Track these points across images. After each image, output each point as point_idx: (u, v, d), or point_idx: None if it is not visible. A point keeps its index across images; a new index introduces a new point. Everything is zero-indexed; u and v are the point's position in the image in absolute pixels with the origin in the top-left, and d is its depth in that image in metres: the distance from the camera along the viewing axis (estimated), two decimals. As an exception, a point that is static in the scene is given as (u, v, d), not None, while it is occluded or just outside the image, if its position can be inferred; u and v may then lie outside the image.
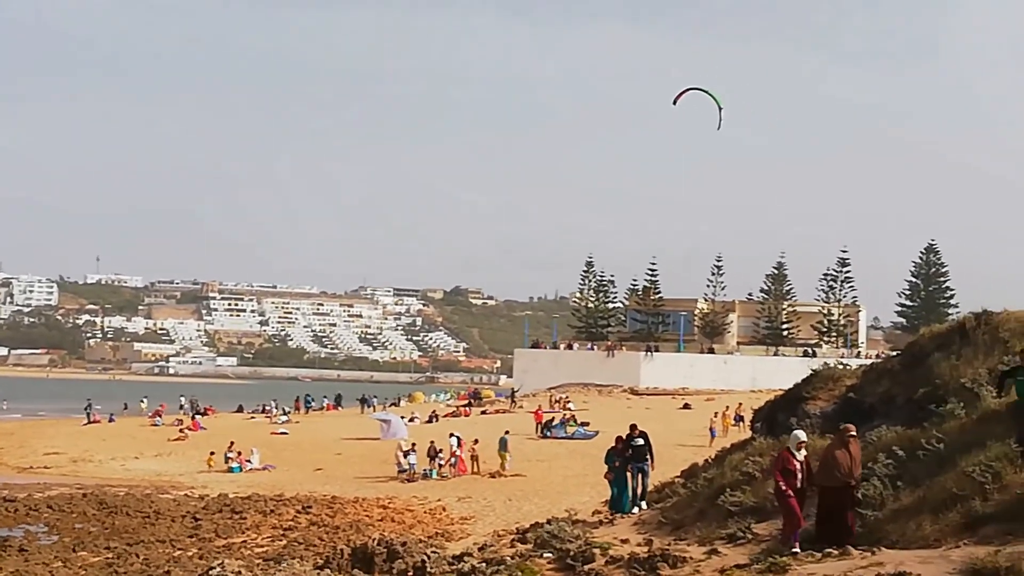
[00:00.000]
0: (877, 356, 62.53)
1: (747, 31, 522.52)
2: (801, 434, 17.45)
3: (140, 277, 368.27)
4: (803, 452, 17.02)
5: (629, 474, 25.27)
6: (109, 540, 32.92)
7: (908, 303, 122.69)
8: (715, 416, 59.16)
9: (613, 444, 26.54)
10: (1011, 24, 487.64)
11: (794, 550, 16.09)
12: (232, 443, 54.21)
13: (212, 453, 52.48)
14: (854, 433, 17.02)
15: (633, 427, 25.99)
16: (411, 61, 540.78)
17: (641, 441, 25.33)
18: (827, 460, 16.64)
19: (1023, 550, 13.66)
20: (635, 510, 24.17)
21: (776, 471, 16.99)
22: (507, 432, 49.72)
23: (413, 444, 48.69)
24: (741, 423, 55.87)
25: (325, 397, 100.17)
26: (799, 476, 16.75)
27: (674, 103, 28.70)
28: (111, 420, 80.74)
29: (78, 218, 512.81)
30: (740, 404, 63.09)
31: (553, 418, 65.60)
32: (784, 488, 16.63)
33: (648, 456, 25.27)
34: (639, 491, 24.93)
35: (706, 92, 28.36)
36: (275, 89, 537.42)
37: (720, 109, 28.11)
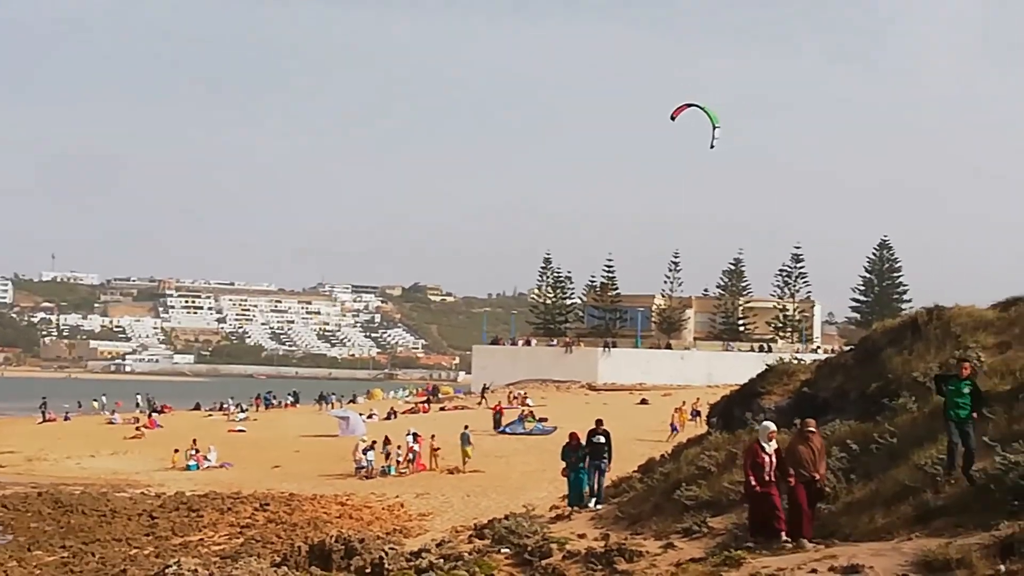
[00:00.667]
0: (831, 351, 63.05)
1: (715, 30, 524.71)
2: (771, 425, 17.27)
3: (96, 275, 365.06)
4: (773, 444, 16.86)
5: (587, 469, 25.11)
6: (64, 539, 32.71)
7: (862, 298, 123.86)
8: (676, 411, 59.39)
9: (568, 441, 26.33)
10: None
11: (785, 541, 15.96)
12: (195, 440, 53.89)
13: (176, 450, 52.14)
14: (813, 428, 16.93)
15: (599, 423, 25.71)
16: (373, 57, 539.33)
17: (602, 439, 25.10)
18: (790, 456, 16.56)
19: (974, 542, 13.86)
20: (590, 505, 24.12)
21: (746, 466, 16.78)
22: (467, 427, 49.76)
23: (373, 441, 48.65)
24: (698, 418, 56.17)
25: (289, 395, 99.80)
26: (767, 468, 16.54)
27: (672, 119, 28.72)
28: (66, 419, 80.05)
29: (33, 216, 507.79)
30: (697, 399, 63.50)
31: (500, 413, 65.40)
32: (753, 484, 16.45)
33: (607, 455, 24.98)
34: (595, 488, 24.74)
35: (703, 109, 28.37)
36: (236, 84, 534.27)
37: (715, 128, 28.08)
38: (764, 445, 16.74)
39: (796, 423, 21.14)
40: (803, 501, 16.24)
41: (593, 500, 24.37)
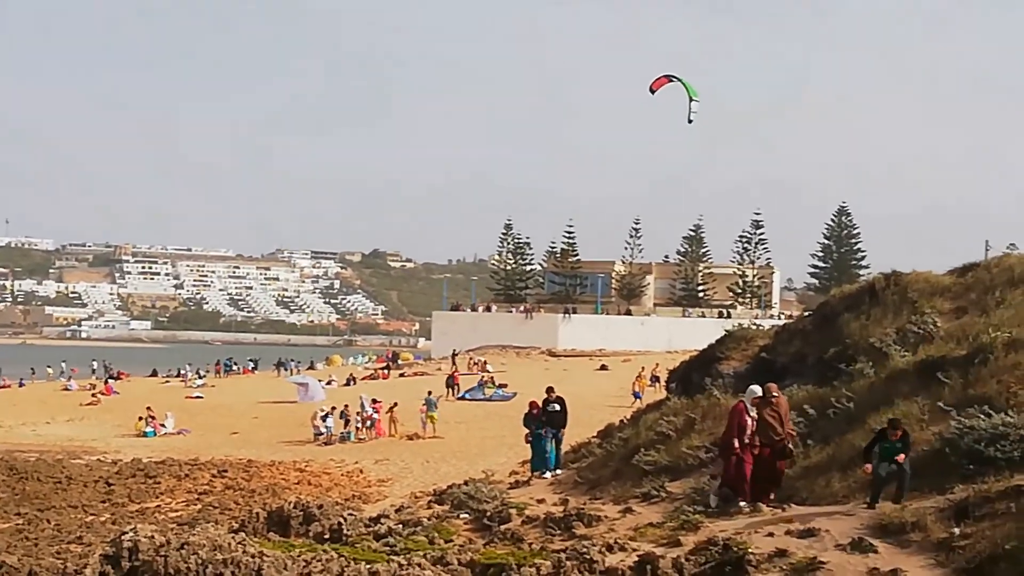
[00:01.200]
0: (790, 317, 63.37)
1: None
2: (757, 388, 16.95)
3: (51, 240, 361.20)
4: (754, 410, 16.71)
5: (545, 438, 24.65)
6: (20, 506, 32.45)
7: (820, 264, 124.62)
8: (636, 378, 59.27)
9: (528, 409, 25.76)
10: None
11: (741, 503, 16.10)
12: (149, 408, 53.51)
13: (140, 418, 51.52)
14: (776, 393, 16.92)
15: (549, 391, 25.36)
16: (328, 20, 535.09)
17: (557, 407, 24.64)
18: (760, 421, 16.54)
19: (928, 505, 13.99)
20: (547, 474, 23.88)
21: (732, 427, 16.63)
22: (430, 393, 49.66)
23: (333, 408, 48.49)
24: (657, 384, 56.27)
25: (250, 360, 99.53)
26: (749, 432, 16.52)
27: (652, 92, 28.57)
28: (21, 385, 79.37)
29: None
30: (656, 365, 63.61)
31: (456, 380, 64.94)
32: (735, 446, 16.42)
33: (563, 421, 24.66)
34: (554, 457, 24.46)
35: (682, 82, 28.23)
36: (193, 47, 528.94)
37: (692, 101, 27.93)
38: (748, 408, 16.63)
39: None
40: (765, 464, 16.41)
41: (553, 471, 24.08)
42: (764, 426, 16.46)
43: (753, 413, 16.55)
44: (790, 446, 16.80)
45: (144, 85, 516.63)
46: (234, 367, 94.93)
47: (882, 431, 15.24)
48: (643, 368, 64.20)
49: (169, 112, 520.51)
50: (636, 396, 53.93)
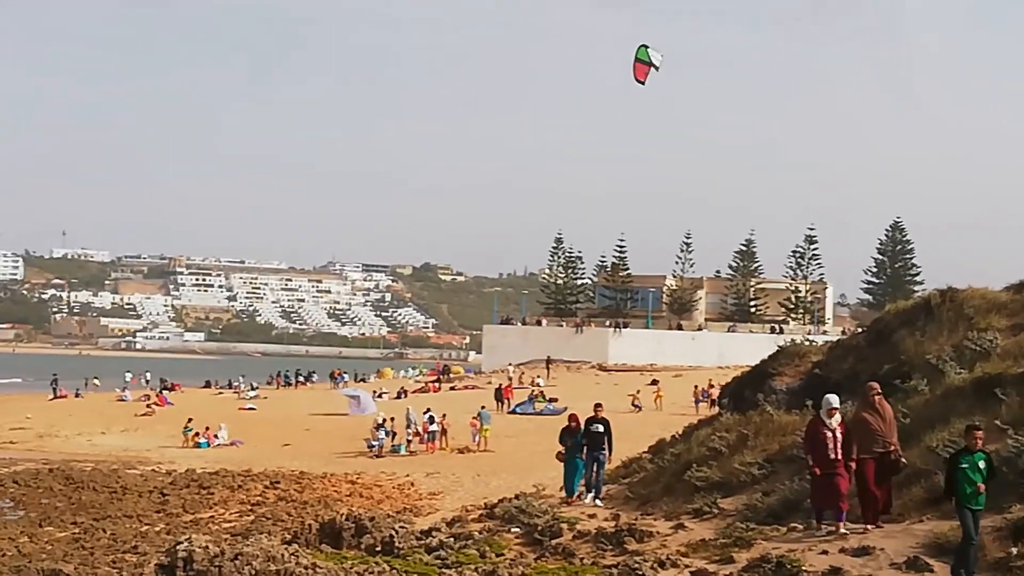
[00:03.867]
0: (843, 333, 62.87)
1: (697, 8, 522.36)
2: (833, 399, 15.62)
3: (107, 252, 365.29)
4: (836, 419, 15.42)
5: (584, 459, 22.42)
6: (76, 515, 32.84)
7: (874, 280, 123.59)
8: (637, 392, 61.43)
9: (567, 423, 23.70)
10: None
11: (843, 531, 14.80)
12: (190, 420, 53.71)
13: (187, 429, 51.92)
14: (880, 391, 15.55)
15: (597, 407, 23.06)
16: (384, 34, 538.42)
17: (601, 428, 22.28)
18: (857, 427, 15.21)
19: (985, 524, 13.81)
20: (587, 500, 21.72)
21: (805, 444, 15.45)
22: (484, 407, 49.70)
23: (391, 418, 48.60)
24: (705, 400, 56.68)
25: (314, 373, 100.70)
26: (832, 447, 15.12)
27: (642, 83, 28.60)
28: (77, 395, 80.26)
29: (44, 192, 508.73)
30: (710, 381, 63.09)
31: (505, 393, 65.01)
32: (813, 465, 15.15)
33: (606, 445, 22.19)
34: (592, 481, 22.15)
35: (653, 65, 28.36)
36: (247, 61, 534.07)
37: (654, 67, 28.13)
38: (826, 421, 15.37)
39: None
40: (871, 479, 14.99)
41: (590, 496, 21.94)
42: (865, 433, 15.03)
43: (833, 425, 15.25)
44: (896, 458, 15.29)
45: (197, 95, 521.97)
46: (299, 379, 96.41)
47: (958, 452, 13.38)
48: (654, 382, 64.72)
49: (222, 123, 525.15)
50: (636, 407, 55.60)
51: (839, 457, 14.98)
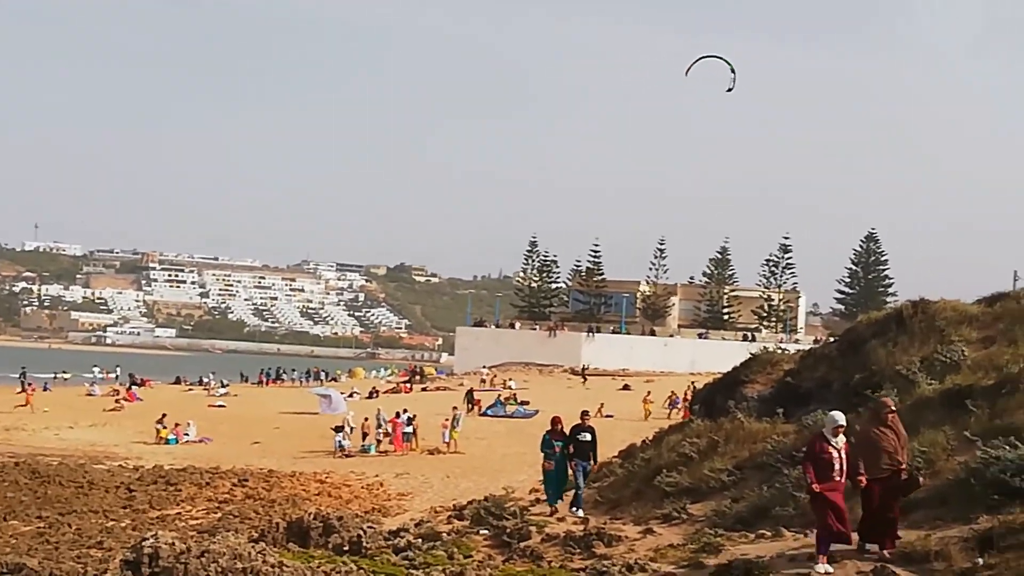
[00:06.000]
0: (815, 341, 63.03)
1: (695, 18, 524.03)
2: (839, 416, 14.27)
3: (79, 245, 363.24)
4: (841, 438, 14.05)
5: (571, 469, 21.56)
6: (41, 509, 32.62)
7: (847, 290, 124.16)
8: (643, 401, 60.20)
9: (551, 427, 22.44)
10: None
11: (825, 569, 13.48)
12: (164, 415, 53.39)
13: (158, 425, 51.63)
14: (893, 408, 14.46)
15: (584, 415, 22.30)
16: (357, 33, 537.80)
17: (588, 437, 21.51)
18: (866, 445, 13.99)
19: (953, 535, 13.86)
20: (580, 513, 20.75)
21: (807, 464, 14.03)
22: (455, 408, 49.64)
23: (349, 423, 48.36)
24: (674, 408, 56.79)
25: (294, 370, 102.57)
26: (838, 468, 13.82)
27: (685, 74, 28.96)
28: (45, 389, 79.75)
29: (16, 184, 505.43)
30: (688, 386, 62.97)
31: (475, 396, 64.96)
32: (812, 481, 13.75)
33: (592, 455, 21.54)
34: (578, 492, 21.32)
35: (719, 58, 28.58)
36: (220, 56, 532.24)
37: (733, 71, 28.28)
38: (830, 440, 13.97)
39: (789, 407, 21.09)
40: (876, 501, 13.85)
41: (573, 507, 21.08)
42: (872, 451, 13.92)
43: (838, 444, 13.94)
44: (916, 476, 14.37)
45: (173, 93, 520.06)
46: (284, 376, 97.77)
47: None
48: (648, 392, 63.93)
49: (196, 120, 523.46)
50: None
51: (843, 479, 13.88)
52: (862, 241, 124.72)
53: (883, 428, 14.01)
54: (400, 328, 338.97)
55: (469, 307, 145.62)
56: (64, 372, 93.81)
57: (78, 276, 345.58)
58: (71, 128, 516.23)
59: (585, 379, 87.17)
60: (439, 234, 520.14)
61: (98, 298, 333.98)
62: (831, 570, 13.35)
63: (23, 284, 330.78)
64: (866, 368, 22.54)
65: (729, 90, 27.95)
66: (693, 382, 60.01)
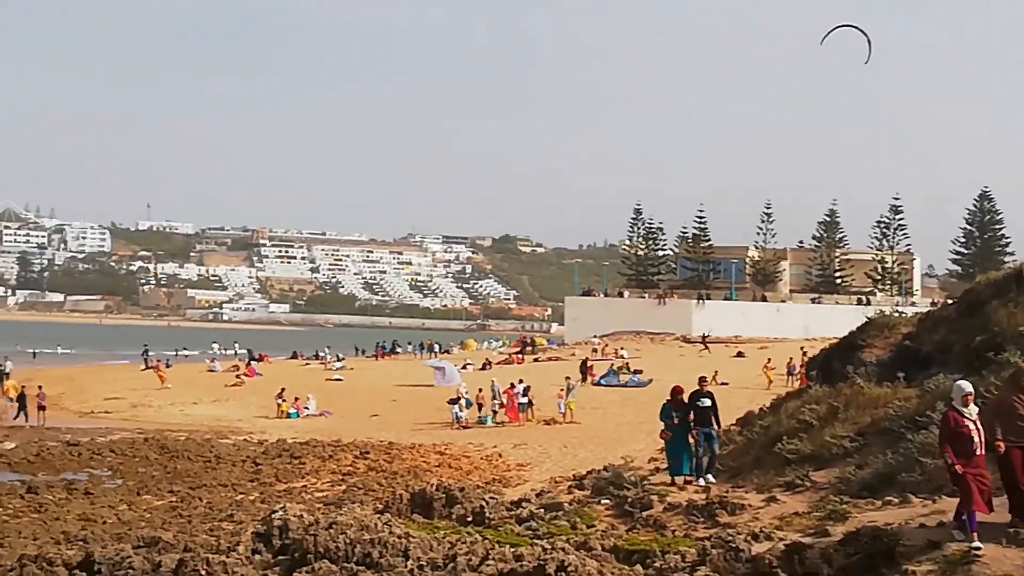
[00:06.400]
0: (933, 304, 61.93)
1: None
2: (966, 385, 13.66)
3: (191, 224, 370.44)
4: (973, 407, 13.44)
5: (692, 438, 21.30)
6: (172, 484, 33.50)
7: (963, 251, 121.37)
8: (764, 368, 59.36)
9: (669, 397, 22.03)
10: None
11: (975, 545, 12.82)
12: (283, 389, 54.21)
13: (279, 399, 52.75)
14: None
15: (702, 381, 22.01)
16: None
17: (708, 402, 21.22)
18: (1004, 412, 13.41)
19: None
20: (701, 482, 20.62)
21: (944, 443, 13.40)
22: (568, 378, 49.41)
23: (464, 394, 48.85)
24: (792, 374, 55.97)
25: (408, 343, 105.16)
26: (977, 441, 13.24)
27: (821, 43, 29.27)
28: (168, 366, 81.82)
29: (129, 165, 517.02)
30: (793, 356, 61.96)
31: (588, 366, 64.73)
32: (954, 463, 13.15)
33: (714, 419, 21.25)
34: (706, 460, 21.11)
35: (855, 28, 28.80)
36: (319, 41, 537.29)
37: (869, 42, 28.44)
38: (962, 411, 13.39)
39: (910, 371, 20.86)
40: (1018, 469, 13.25)
41: (706, 476, 20.88)
42: (1010, 417, 13.33)
43: (970, 413, 13.37)
44: None
45: (277, 72, 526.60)
46: (400, 349, 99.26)
47: None
48: (768, 360, 62.72)
49: (303, 98, 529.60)
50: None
51: (983, 452, 13.25)
52: (975, 200, 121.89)
53: (1022, 395, 13.45)
54: (508, 299, 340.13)
55: (576, 277, 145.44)
56: (185, 349, 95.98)
57: (191, 254, 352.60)
58: (177, 108, 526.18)
59: (707, 346, 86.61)
60: (543, 204, 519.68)
61: (212, 275, 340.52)
62: (981, 547, 12.83)
63: (139, 263, 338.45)
64: (987, 330, 22.19)
65: (866, 62, 28.08)
66: (804, 349, 59.03)
